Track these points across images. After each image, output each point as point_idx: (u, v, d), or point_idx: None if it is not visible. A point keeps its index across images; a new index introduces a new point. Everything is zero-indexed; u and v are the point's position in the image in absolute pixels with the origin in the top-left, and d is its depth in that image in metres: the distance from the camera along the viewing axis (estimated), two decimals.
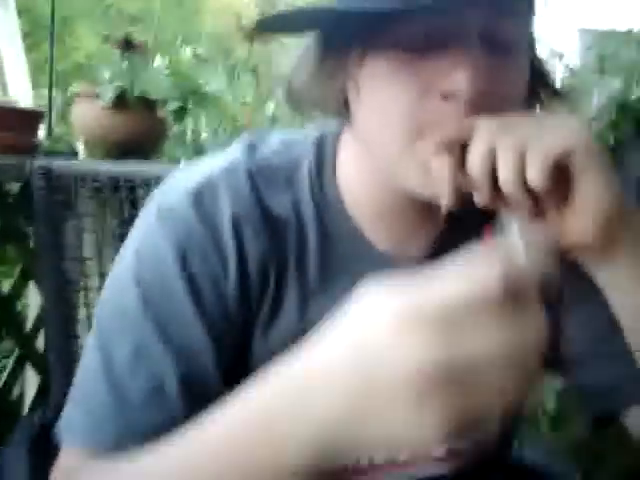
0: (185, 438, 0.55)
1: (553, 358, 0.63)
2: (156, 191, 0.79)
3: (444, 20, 0.65)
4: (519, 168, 0.63)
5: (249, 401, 0.51)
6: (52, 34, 2.67)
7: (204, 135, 2.35)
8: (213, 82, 1.99)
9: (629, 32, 2.56)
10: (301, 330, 0.75)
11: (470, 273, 0.44)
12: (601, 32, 2.73)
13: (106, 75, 1.84)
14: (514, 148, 0.63)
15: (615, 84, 2.00)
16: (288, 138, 0.83)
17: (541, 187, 0.63)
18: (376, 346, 0.44)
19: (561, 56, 2.25)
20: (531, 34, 0.75)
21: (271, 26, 0.70)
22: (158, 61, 1.96)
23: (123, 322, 0.72)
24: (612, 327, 0.75)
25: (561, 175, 0.65)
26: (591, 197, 0.66)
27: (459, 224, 0.79)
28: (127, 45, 1.78)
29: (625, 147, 1.98)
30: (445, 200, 0.66)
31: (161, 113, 1.98)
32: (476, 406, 0.42)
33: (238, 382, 0.63)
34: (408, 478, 0.84)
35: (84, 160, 1.99)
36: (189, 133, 2.33)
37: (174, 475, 0.55)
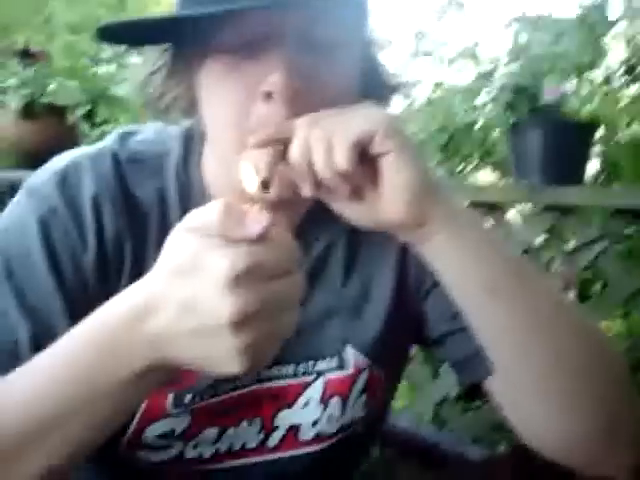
0: (30, 363, 0.66)
1: None
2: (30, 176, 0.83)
3: (262, 23, 0.69)
4: (328, 155, 0.67)
5: (93, 321, 0.63)
6: None
7: None
8: (122, 84, 1.99)
9: (539, 18, 2.65)
10: None
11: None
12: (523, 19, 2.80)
13: (10, 84, 1.84)
14: (322, 137, 0.67)
15: (512, 68, 2.08)
16: (161, 129, 0.87)
17: (347, 169, 0.67)
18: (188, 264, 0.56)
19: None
20: (364, 33, 0.79)
21: (114, 36, 0.74)
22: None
23: None
24: None
25: (372, 159, 0.70)
26: (395, 175, 0.70)
27: (322, 207, 0.84)
28: (25, 54, 1.78)
29: (521, 126, 2.06)
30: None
31: (72, 119, 1.98)
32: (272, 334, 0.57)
33: None
34: (280, 465, 0.89)
35: None
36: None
37: (20, 401, 0.65)
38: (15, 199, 0.82)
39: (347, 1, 0.73)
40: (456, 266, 0.74)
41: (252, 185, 0.64)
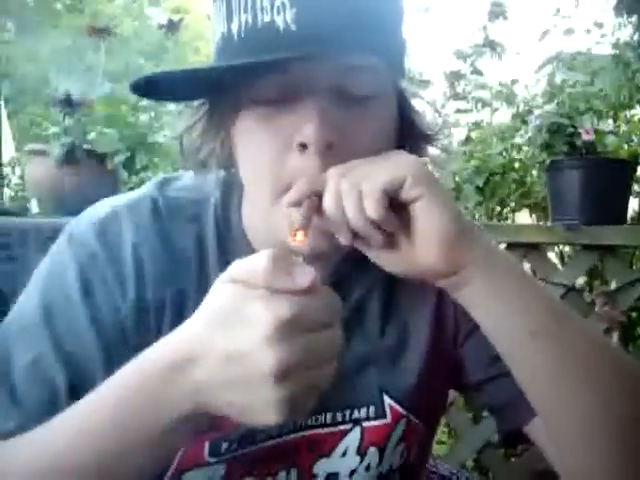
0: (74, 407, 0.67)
1: None
2: (69, 223, 0.84)
3: (296, 74, 0.69)
4: (359, 204, 0.67)
5: (134, 370, 0.63)
6: None
7: None
8: (160, 131, 2.03)
9: (574, 57, 2.66)
10: None
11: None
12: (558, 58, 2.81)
13: (53, 132, 1.89)
14: (352, 187, 0.67)
15: (549, 107, 2.07)
16: (200, 177, 0.87)
17: (378, 217, 0.67)
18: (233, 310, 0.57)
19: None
20: (398, 83, 0.79)
21: (150, 90, 0.74)
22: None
23: (24, 333, 0.77)
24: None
25: (404, 206, 0.69)
26: (427, 221, 0.69)
27: (359, 256, 0.84)
28: (69, 102, 1.82)
29: (558, 166, 2.04)
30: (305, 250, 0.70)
31: (112, 166, 2.01)
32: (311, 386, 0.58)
33: None
34: None
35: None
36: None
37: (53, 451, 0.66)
38: (55, 246, 0.82)
39: (382, 51, 0.73)
40: (494, 311, 0.73)
41: (291, 238, 0.64)
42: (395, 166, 0.69)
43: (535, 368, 0.73)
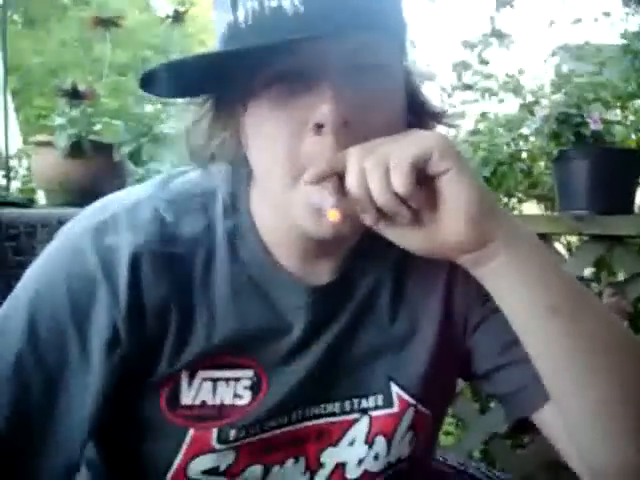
0: None
1: None
2: (71, 220, 0.82)
3: (307, 56, 0.69)
4: (385, 180, 0.67)
5: None
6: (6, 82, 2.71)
7: None
8: (166, 121, 2.02)
9: (582, 47, 2.64)
10: (208, 349, 0.79)
11: None
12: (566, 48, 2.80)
13: (59, 123, 1.88)
14: (377, 163, 0.67)
15: (556, 97, 2.06)
16: (207, 170, 0.86)
17: (407, 191, 0.67)
18: None
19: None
20: (404, 62, 0.79)
21: (155, 89, 0.73)
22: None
23: (5, 341, 0.76)
24: (511, 334, 0.78)
25: (430, 185, 0.69)
26: (455, 194, 0.69)
27: (369, 244, 0.83)
28: (75, 93, 1.82)
29: (566, 156, 2.03)
30: (329, 232, 0.71)
31: (118, 157, 2.01)
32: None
33: (142, 398, 0.79)
34: None
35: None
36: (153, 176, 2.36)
37: None
38: (50, 247, 0.80)
39: (388, 29, 0.73)
40: (517, 286, 0.73)
41: (312, 219, 0.69)
42: (421, 140, 0.69)
43: (552, 344, 0.73)
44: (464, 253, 0.73)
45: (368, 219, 0.71)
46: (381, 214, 0.70)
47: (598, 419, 0.73)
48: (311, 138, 0.70)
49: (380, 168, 0.67)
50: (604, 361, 0.73)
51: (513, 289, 0.74)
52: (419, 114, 0.81)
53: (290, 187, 0.72)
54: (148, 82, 0.71)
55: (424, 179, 0.69)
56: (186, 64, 0.70)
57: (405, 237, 0.73)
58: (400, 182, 0.66)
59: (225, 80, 0.74)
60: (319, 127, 0.69)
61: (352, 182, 0.68)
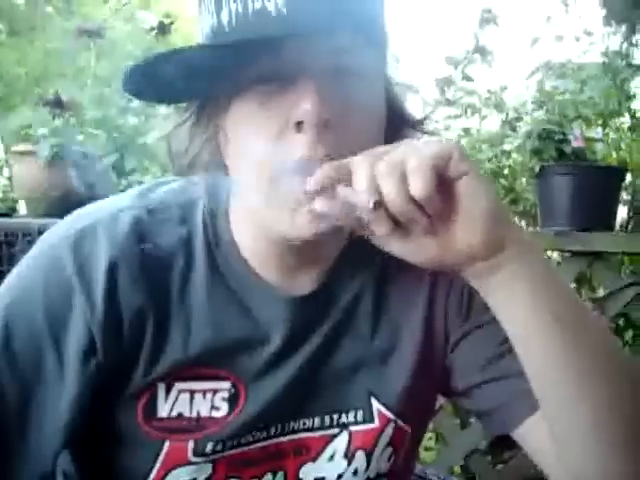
0: None
1: None
2: (52, 227, 0.81)
3: (289, 55, 0.68)
4: (402, 185, 0.64)
5: None
6: None
7: None
8: (149, 133, 2.02)
9: (564, 65, 2.67)
10: (185, 360, 0.78)
11: None
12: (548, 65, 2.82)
13: (41, 133, 1.87)
14: (392, 168, 0.64)
15: (538, 114, 2.08)
16: (186, 180, 0.85)
17: (427, 196, 0.64)
18: None
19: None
20: (385, 69, 0.79)
21: (135, 88, 0.73)
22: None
23: None
24: (498, 348, 0.78)
25: (445, 191, 0.67)
26: (473, 199, 0.67)
27: (350, 256, 0.83)
28: (58, 103, 1.81)
29: (548, 173, 2.05)
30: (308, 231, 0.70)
31: (100, 168, 2.00)
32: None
33: (119, 409, 0.79)
34: None
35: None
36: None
37: None
38: (29, 256, 0.79)
39: (370, 34, 0.73)
40: (526, 293, 0.71)
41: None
42: (438, 145, 0.67)
43: (551, 355, 0.72)
44: (477, 261, 0.71)
45: (381, 229, 0.67)
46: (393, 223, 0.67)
47: (592, 431, 0.73)
48: (291, 136, 0.69)
49: (396, 172, 0.64)
50: (600, 373, 0.72)
51: (519, 298, 0.72)
52: (398, 122, 0.81)
53: (270, 187, 0.71)
54: (130, 81, 0.71)
55: (438, 185, 0.65)
56: (167, 59, 0.69)
57: (413, 247, 0.71)
58: (421, 185, 0.63)
59: (207, 80, 0.73)
60: (299, 124, 0.69)
61: (362, 188, 0.65)
